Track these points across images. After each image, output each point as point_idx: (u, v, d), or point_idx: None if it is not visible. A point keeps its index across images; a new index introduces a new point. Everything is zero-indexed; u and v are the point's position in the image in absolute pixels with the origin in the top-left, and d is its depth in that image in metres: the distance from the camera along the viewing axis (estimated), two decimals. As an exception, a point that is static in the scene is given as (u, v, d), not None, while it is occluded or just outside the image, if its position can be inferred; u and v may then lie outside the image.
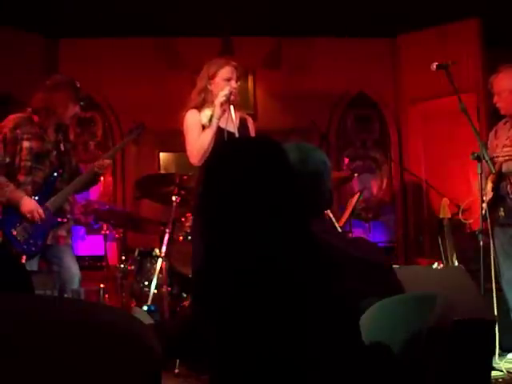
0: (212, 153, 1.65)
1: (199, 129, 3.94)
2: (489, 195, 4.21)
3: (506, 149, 4.23)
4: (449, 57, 4.73)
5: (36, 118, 4.08)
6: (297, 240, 1.56)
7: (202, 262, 1.62)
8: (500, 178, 4.19)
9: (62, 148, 4.19)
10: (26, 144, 4.02)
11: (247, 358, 1.52)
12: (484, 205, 4.22)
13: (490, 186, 4.25)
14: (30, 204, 3.97)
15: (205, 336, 1.59)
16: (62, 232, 4.14)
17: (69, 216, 4.23)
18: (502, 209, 4.24)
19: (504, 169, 4.19)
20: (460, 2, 5.86)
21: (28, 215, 3.95)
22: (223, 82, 3.93)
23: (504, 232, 4.29)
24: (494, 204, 4.20)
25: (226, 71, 3.95)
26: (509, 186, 4.20)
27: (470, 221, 4.91)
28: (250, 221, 1.54)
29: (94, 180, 4.32)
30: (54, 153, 4.13)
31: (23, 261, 3.94)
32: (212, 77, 3.96)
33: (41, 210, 3.98)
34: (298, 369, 1.50)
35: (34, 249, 4.00)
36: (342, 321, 1.59)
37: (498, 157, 4.24)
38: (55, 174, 4.11)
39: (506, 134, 4.33)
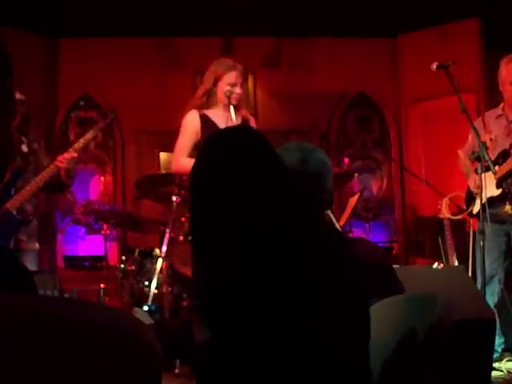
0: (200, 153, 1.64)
1: (192, 133, 3.96)
2: (493, 192, 4.00)
3: None
4: (449, 57, 4.72)
5: None
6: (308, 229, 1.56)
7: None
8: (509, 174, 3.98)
9: (26, 149, 4.09)
10: None
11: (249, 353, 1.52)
12: (478, 201, 4.12)
13: (480, 182, 3.97)
14: None
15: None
16: (23, 236, 4.03)
17: (30, 217, 4.07)
18: (510, 206, 4.03)
19: None
20: (460, 2, 5.87)
21: None
22: (228, 86, 3.92)
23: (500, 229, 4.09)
24: (498, 200, 4.02)
25: (231, 76, 3.92)
26: None
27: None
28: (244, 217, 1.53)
29: (58, 178, 4.05)
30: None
31: None
32: (218, 79, 3.94)
33: None
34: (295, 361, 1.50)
35: None
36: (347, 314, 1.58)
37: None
38: (15, 173, 4.00)
39: (502, 128, 4.18)
